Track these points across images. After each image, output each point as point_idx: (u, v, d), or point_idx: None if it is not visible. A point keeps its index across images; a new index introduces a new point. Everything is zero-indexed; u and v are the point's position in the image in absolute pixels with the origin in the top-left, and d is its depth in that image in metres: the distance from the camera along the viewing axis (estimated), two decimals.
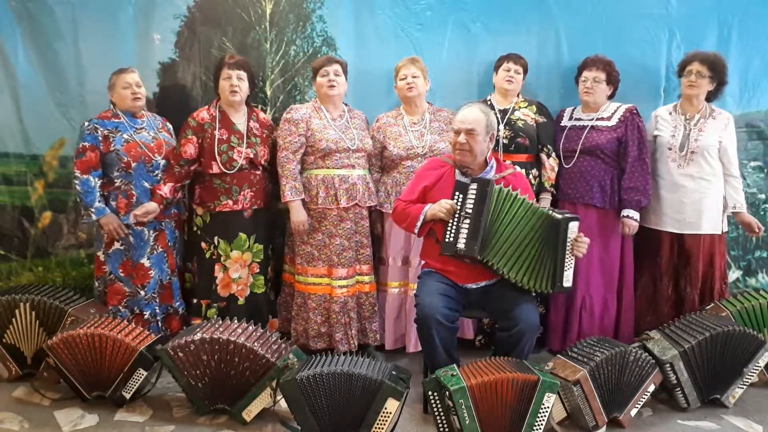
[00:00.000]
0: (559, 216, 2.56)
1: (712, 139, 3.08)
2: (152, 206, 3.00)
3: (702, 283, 3.17)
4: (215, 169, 3.05)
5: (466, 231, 2.52)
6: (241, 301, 3.15)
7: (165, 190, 3.04)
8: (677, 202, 3.13)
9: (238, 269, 3.13)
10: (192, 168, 3.10)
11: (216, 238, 3.11)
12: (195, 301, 3.18)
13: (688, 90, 3.11)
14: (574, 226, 2.56)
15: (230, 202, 3.08)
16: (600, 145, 3.16)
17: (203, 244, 3.14)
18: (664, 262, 3.21)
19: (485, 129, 2.63)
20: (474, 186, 2.55)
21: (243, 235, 3.12)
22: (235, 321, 2.70)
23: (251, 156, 3.09)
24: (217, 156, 3.04)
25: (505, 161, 3.14)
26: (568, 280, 2.58)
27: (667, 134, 3.16)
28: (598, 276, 3.24)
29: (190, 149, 3.05)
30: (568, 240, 2.54)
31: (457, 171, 2.70)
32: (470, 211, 2.53)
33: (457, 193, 2.59)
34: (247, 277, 3.15)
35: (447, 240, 2.56)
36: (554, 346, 3.30)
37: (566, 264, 2.56)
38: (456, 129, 2.66)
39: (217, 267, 3.12)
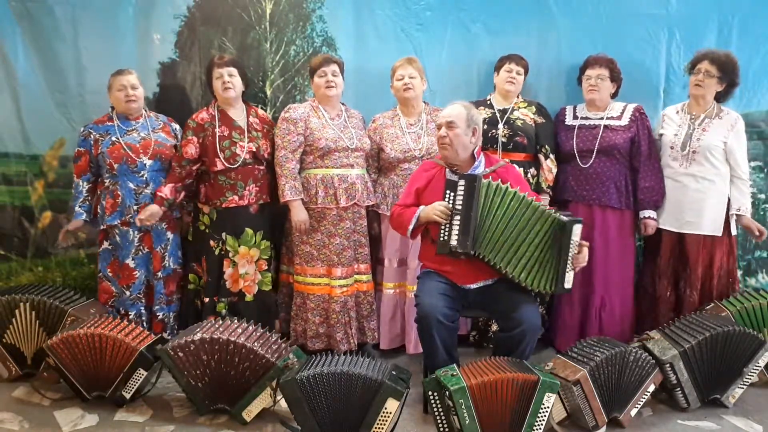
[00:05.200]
0: (565, 219, 2.55)
1: (716, 140, 3.05)
2: (154, 208, 3.01)
3: (702, 285, 3.16)
4: (219, 166, 3.06)
5: (458, 228, 2.52)
6: (249, 297, 3.15)
7: (165, 191, 3.05)
8: (677, 201, 3.13)
9: (245, 265, 3.13)
10: (195, 168, 3.11)
11: (224, 234, 3.11)
12: (207, 300, 3.17)
13: (694, 89, 3.09)
14: (577, 229, 2.54)
15: (236, 198, 3.08)
16: (617, 145, 3.15)
17: (211, 242, 3.13)
18: (663, 262, 3.21)
19: (465, 122, 2.64)
20: (462, 182, 2.55)
21: (249, 231, 3.13)
22: (236, 321, 2.70)
23: (254, 149, 3.10)
24: (219, 152, 3.05)
25: (503, 160, 3.15)
26: (569, 282, 2.57)
27: (671, 133, 3.16)
28: (616, 276, 3.23)
29: (190, 149, 3.07)
30: (572, 242, 2.53)
31: (447, 170, 2.70)
32: (460, 207, 2.53)
33: (447, 192, 2.58)
34: (254, 274, 3.16)
35: (441, 239, 2.56)
36: (566, 348, 3.28)
37: (569, 266, 2.55)
38: (437, 124, 2.71)
39: (225, 262, 3.13)
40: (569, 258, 2.54)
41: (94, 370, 2.67)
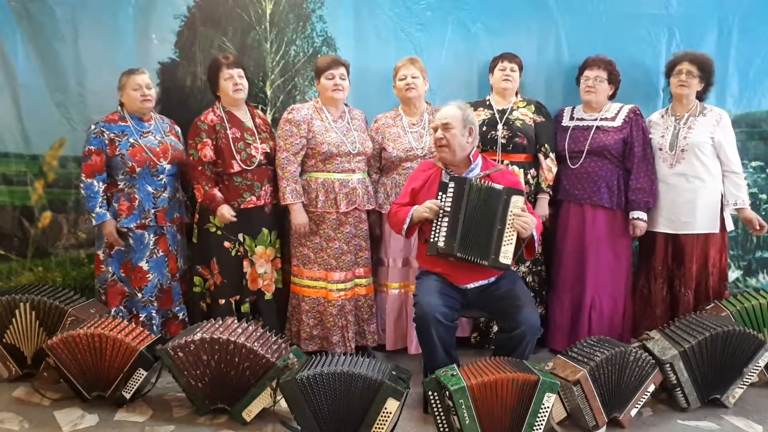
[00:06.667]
0: (500, 187, 2.55)
1: (703, 136, 3.07)
2: (226, 207, 2.99)
3: (697, 284, 3.17)
4: (236, 168, 3.05)
5: (446, 229, 2.53)
6: (268, 296, 3.18)
7: (218, 193, 3.01)
8: (670, 202, 3.13)
9: (263, 264, 3.14)
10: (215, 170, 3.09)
11: (241, 235, 3.11)
12: (222, 301, 3.14)
13: (679, 89, 3.11)
14: (517, 200, 2.53)
15: (254, 198, 3.09)
16: (607, 146, 3.16)
17: (226, 244, 3.11)
18: (657, 263, 3.21)
19: (462, 122, 2.64)
20: (452, 184, 2.56)
21: (266, 231, 3.14)
22: (235, 321, 2.70)
23: (267, 150, 3.11)
24: (236, 154, 3.04)
25: (502, 161, 3.15)
26: (506, 257, 2.51)
27: (657, 135, 3.17)
28: (607, 276, 3.23)
29: (208, 152, 3.03)
30: (509, 214, 2.51)
31: (443, 172, 2.71)
32: (448, 209, 2.54)
33: (440, 193, 2.59)
34: (272, 273, 3.18)
35: (431, 240, 2.57)
36: (559, 347, 3.27)
37: (505, 238, 2.51)
38: (433, 126, 2.71)
39: (245, 263, 3.13)
40: (505, 229, 2.50)
41: (94, 370, 2.67)
